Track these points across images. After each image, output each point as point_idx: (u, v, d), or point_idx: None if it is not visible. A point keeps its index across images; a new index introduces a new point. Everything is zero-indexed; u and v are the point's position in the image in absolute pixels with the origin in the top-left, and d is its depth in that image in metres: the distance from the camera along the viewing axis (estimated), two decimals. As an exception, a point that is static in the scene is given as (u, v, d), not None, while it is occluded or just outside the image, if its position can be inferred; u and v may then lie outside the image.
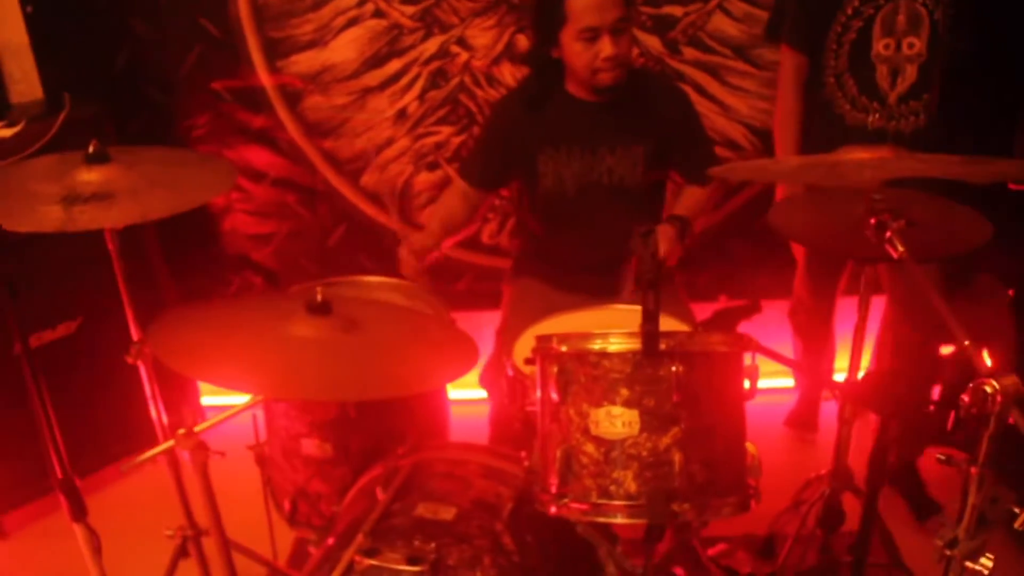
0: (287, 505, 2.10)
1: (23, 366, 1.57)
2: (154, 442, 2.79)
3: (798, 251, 2.82)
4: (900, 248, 1.39)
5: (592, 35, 2.11)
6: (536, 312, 2.10)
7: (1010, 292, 2.91)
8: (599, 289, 2.23)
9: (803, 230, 1.81)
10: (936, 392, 2.60)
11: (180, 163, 1.88)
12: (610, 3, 2.09)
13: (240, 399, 1.84)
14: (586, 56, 2.14)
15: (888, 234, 1.40)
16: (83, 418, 2.71)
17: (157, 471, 2.00)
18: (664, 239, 2.19)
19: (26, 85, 2.82)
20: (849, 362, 2.03)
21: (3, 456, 2.64)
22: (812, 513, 2.13)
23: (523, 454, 1.73)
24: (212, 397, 3.10)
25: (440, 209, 2.52)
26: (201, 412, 2.96)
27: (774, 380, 3.20)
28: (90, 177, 1.76)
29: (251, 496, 2.08)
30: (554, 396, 1.46)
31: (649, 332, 1.35)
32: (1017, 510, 1.23)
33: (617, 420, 1.41)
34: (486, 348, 2.50)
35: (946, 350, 2.81)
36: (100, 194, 1.71)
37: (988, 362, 1.47)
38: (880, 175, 1.36)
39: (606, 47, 2.11)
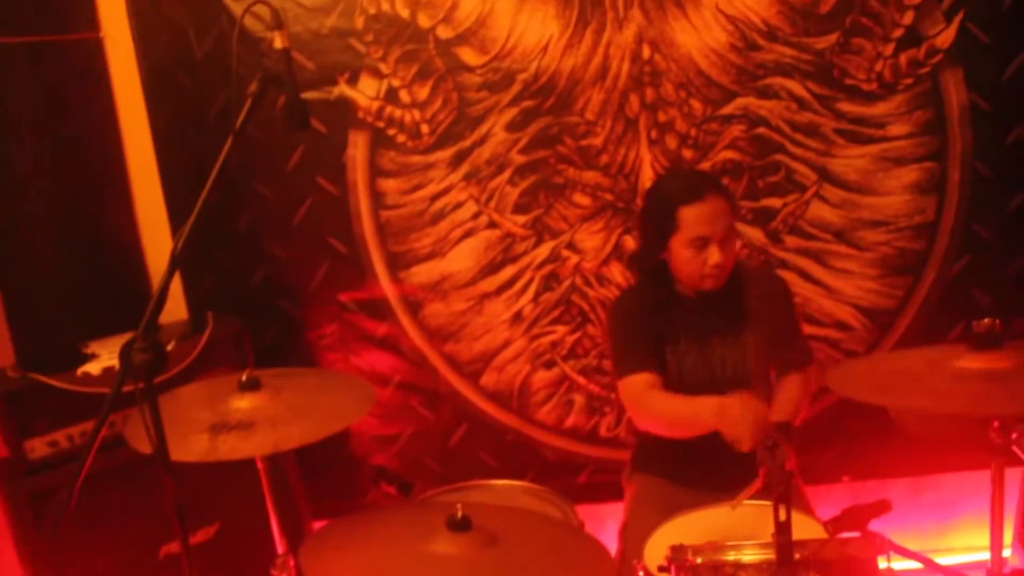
0: None
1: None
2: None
3: None
4: (1030, 450, 1.40)
5: (702, 244, 2.22)
6: (659, 511, 2.12)
7: None
8: (719, 484, 2.23)
9: (928, 428, 1.82)
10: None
11: (324, 387, 2.03)
12: (720, 213, 2.22)
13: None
14: (695, 263, 2.25)
15: (1014, 436, 1.41)
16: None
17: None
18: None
19: (172, 305, 3.05)
20: (991, 542, 1.97)
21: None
22: None
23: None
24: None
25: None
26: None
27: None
28: (240, 405, 1.91)
29: None
30: (692, 607, 1.48)
31: (783, 544, 1.38)
32: None
33: (757, 632, 1.42)
34: (609, 542, 2.51)
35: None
36: (244, 423, 1.85)
37: None
38: (1000, 394, 1.38)
39: (714, 255, 2.22)
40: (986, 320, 1.49)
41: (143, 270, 3.06)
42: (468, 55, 2.83)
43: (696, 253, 2.23)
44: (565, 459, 3.09)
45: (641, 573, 1.86)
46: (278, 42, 1.54)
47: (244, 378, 1.94)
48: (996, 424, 1.43)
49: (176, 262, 1.51)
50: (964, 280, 2.93)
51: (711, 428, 2.15)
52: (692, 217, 2.21)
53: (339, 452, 3.13)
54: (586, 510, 2.87)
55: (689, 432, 2.27)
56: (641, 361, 2.35)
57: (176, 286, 3.06)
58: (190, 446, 1.75)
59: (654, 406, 2.33)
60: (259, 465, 2.00)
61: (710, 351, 2.35)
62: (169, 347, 2.75)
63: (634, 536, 2.24)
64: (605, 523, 2.92)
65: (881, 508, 1.70)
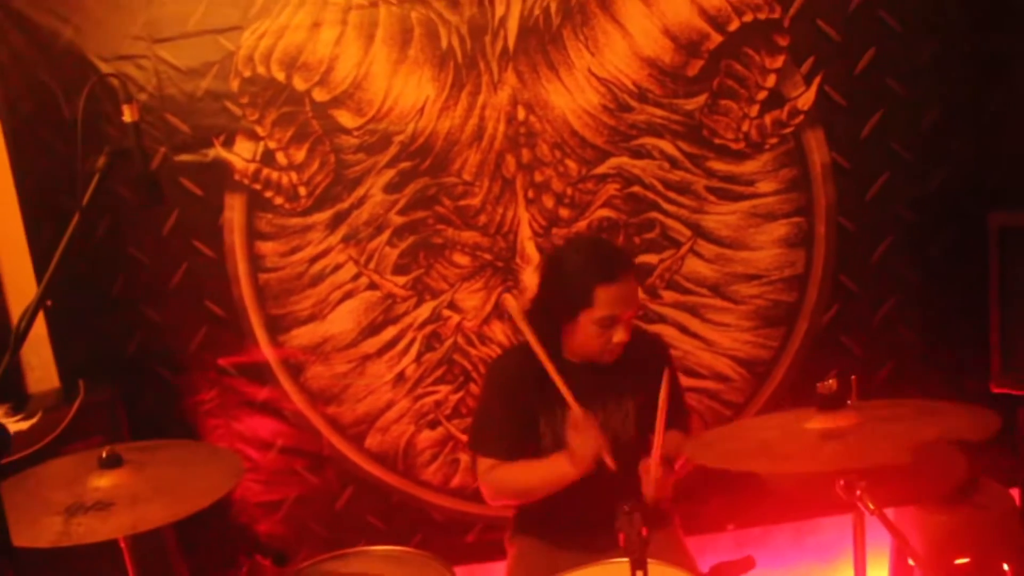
0: None
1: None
2: None
3: None
4: (871, 506, 1.45)
5: (611, 322, 2.24)
6: (539, 574, 2.12)
7: (1012, 491, 2.93)
8: (599, 545, 2.24)
9: (790, 482, 1.87)
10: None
11: (190, 461, 1.97)
12: (633, 294, 2.28)
13: None
14: (601, 339, 2.26)
15: (858, 492, 1.47)
16: None
17: None
18: (649, 482, 2.21)
19: (43, 372, 2.96)
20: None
21: None
22: None
23: None
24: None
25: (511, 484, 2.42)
26: None
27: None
28: (100, 483, 1.84)
29: None
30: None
31: (642, 609, 1.40)
32: None
33: None
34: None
35: (961, 561, 2.80)
36: (103, 502, 1.78)
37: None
38: (842, 455, 1.43)
39: (620, 334, 2.25)
40: (830, 382, 1.55)
41: (8, 338, 2.93)
42: (344, 117, 2.84)
43: (602, 330, 2.25)
44: (453, 519, 3.06)
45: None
46: (127, 115, 1.51)
47: (104, 455, 1.87)
48: (841, 482, 1.49)
49: (18, 343, 1.46)
50: (834, 329, 3.05)
51: (572, 476, 2.23)
52: (607, 297, 2.22)
53: (221, 520, 3.04)
54: (475, 570, 2.87)
55: (544, 494, 2.31)
56: (496, 445, 2.38)
57: (47, 354, 2.96)
58: (40, 531, 1.67)
59: (505, 483, 2.38)
60: (122, 545, 1.93)
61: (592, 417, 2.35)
62: (36, 418, 2.65)
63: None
64: (494, 581, 2.91)
65: (746, 564, 1.73)
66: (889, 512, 1.86)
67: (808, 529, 3.21)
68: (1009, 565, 2.82)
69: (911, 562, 2.90)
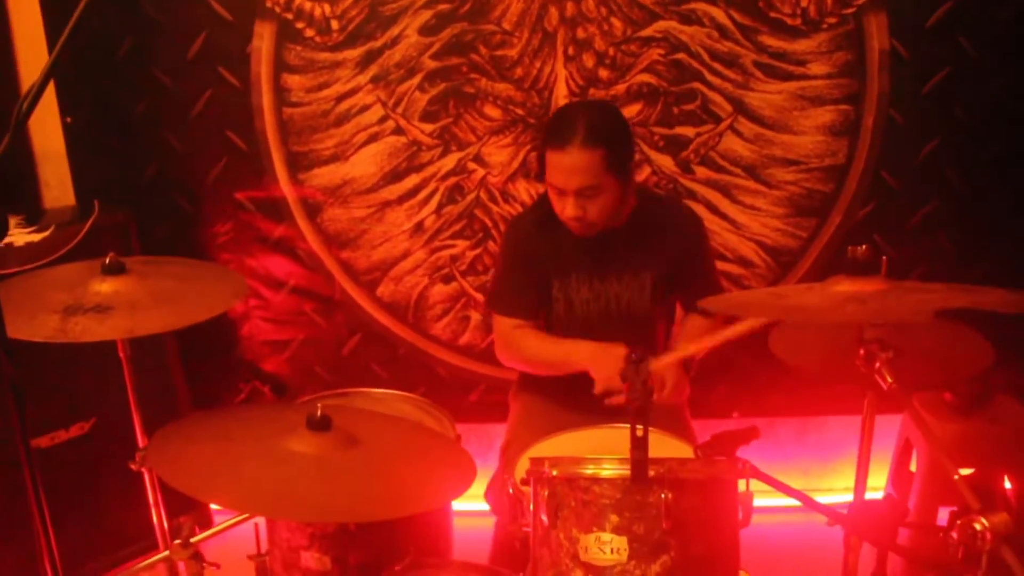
0: (285, 617, 2.07)
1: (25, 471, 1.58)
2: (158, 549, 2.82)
3: None
4: (888, 380, 1.40)
5: (560, 192, 2.15)
6: (540, 430, 2.10)
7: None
8: (603, 408, 2.22)
9: (804, 355, 1.82)
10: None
11: (194, 277, 1.93)
12: (579, 169, 2.09)
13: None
14: (557, 206, 2.19)
15: (877, 364, 1.41)
16: (88, 521, 2.70)
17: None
18: (671, 373, 2.17)
19: (60, 191, 2.93)
20: (855, 484, 2.00)
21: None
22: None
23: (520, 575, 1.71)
24: (222, 501, 3.09)
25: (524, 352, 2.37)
26: (209, 517, 2.95)
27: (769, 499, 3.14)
28: (101, 288, 1.81)
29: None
30: (544, 520, 1.46)
31: (638, 459, 1.36)
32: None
33: (606, 547, 1.41)
34: (495, 461, 2.49)
35: (965, 471, 2.77)
36: (101, 306, 1.75)
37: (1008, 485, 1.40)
38: (864, 312, 1.36)
39: (568, 207, 2.14)
40: (862, 247, 1.47)
41: (27, 150, 2.89)
42: (385, -51, 2.70)
43: (557, 198, 2.17)
44: (457, 376, 3.06)
45: (511, 488, 1.84)
46: None
47: (107, 261, 1.83)
48: (861, 352, 1.43)
49: (22, 121, 1.38)
50: (868, 226, 2.95)
51: (581, 370, 2.17)
52: (552, 163, 2.12)
53: (227, 356, 3.06)
54: (475, 428, 2.87)
55: (555, 373, 2.28)
56: (514, 304, 2.33)
57: (64, 172, 2.92)
58: (37, 326, 1.65)
59: (522, 348, 2.33)
60: (121, 354, 1.92)
61: (605, 287, 2.29)
62: (48, 231, 2.63)
63: (513, 452, 2.22)
64: (493, 442, 2.90)
65: (750, 434, 1.68)
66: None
67: (812, 426, 3.19)
68: (1012, 481, 2.79)
69: (912, 468, 2.90)
